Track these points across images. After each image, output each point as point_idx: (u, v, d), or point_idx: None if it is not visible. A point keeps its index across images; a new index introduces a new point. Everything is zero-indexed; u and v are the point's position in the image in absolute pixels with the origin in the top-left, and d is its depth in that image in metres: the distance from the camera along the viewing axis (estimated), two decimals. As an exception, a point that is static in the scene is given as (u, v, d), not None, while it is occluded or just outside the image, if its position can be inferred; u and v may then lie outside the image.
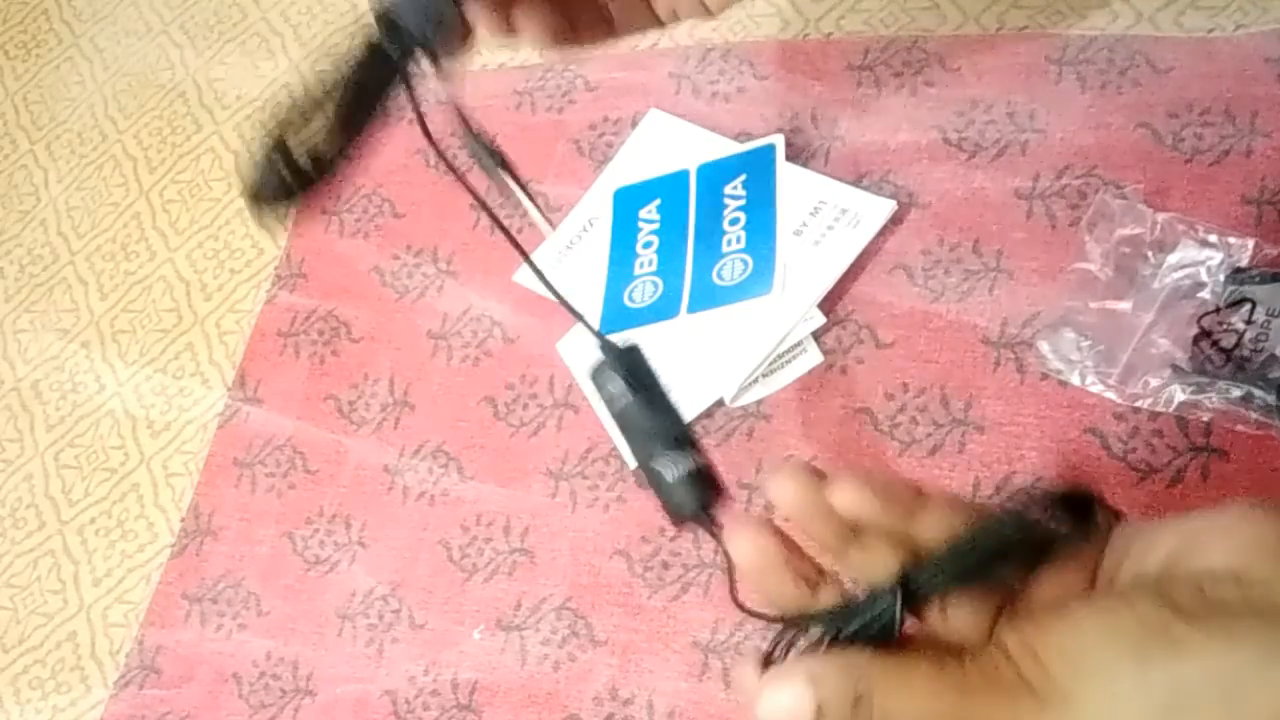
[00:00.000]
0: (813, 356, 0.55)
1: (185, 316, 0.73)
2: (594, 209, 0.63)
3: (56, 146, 0.85)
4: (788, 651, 0.34)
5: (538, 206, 0.41)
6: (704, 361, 0.56)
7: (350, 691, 0.57)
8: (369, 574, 0.60)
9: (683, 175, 0.61)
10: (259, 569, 0.62)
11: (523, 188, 0.41)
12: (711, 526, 0.38)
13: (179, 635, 0.62)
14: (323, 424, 0.65)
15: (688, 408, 0.55)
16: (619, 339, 0.58)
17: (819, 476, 0.36)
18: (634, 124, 0.65)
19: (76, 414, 0.73)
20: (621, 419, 0.41)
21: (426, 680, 0.56)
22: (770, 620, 0.35)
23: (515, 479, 0.59)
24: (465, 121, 0.39)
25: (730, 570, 0.37)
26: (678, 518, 0.39)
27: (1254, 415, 0.45)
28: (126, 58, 0.85)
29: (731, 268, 0.57)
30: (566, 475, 0.57)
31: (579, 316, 0.41)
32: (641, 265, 0.60)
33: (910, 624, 0.35)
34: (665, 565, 0.54)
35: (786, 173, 0.58)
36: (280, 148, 0.37)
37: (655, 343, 0.57)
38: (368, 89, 0.38)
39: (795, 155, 0.59)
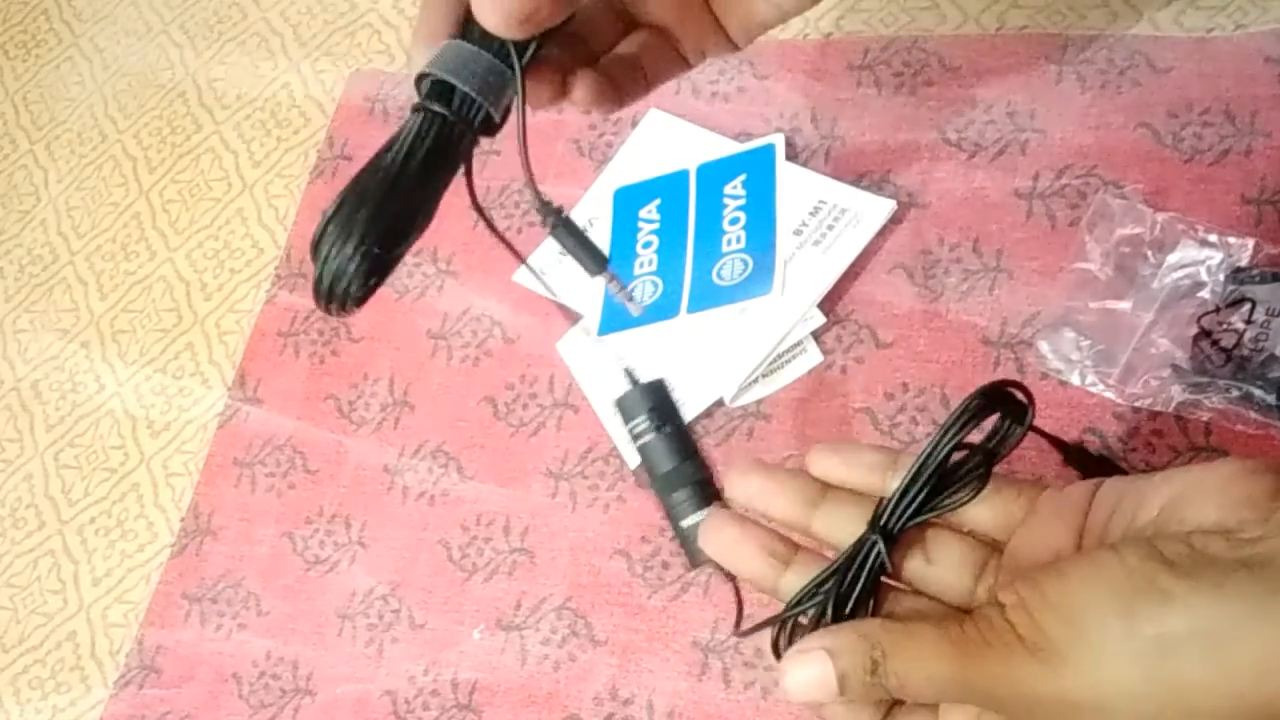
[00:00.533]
0: (813, 356, 0.55)
1: (185, 316, 0.73)
2: (594, 209, 0.63)
3: (56, 146, 0.85)
4: (793, 633, 0.35)
5: (629, 294, 0.42)
6: (704, 361, 0.56)
7: (350, 691, 0.57)
8: (369, 574, 0.60)
9: (683, 175, 0.61)
10: (259, 569, 0.62)
11: (614, 278, 0.41)
12: (726, 572, 0.39)
13: (179, 635, 0.62)
14: (323, 424, 0.65)
15: (688, 408, 0.55)
16: (621, 338, 0.59)
17: (766, 466, 0.38)
18: (634, 124, 0.65)
19: (76, 414, 0.73)
20: (644, 452, 0.41)
21: (426, 680, 0.56)
22: (768, 623, 0.36)
23: (515, 479, 0.59)
24: (552, 207, 0.39)
25: (739, 608, 0.39)
26: (694, 560, 0.40)
27: (1254, 415, 0.45)
28: (126, 58, 0.85)
29: (731, 267, 0.57)
30: (566, 475, 0.57)
31: (606, 348, 0.41)
32: (641, 265, 0.60)
33: (912, 600, 0.36)
34: (665, 565, 0.54)
35: (786, 172, 0.58)
36: (356, 240, 0.35)
37: (655, 343, 0.57)
38: (428, 159, 0.36)
39: (795, 155, 0.59)
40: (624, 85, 0.44)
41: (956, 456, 0.35)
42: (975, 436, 0.36)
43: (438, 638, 0.57)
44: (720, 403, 0.55)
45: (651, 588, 0.53)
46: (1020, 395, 0.35)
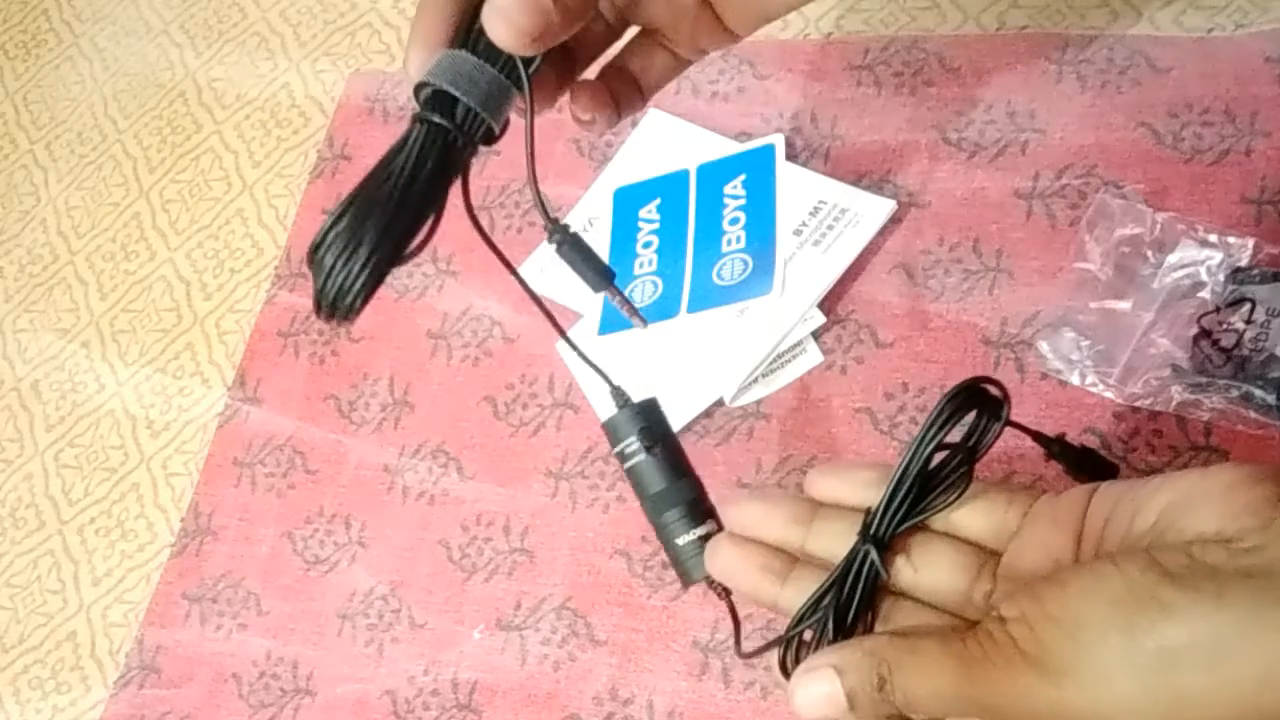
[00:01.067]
0: (813, 356, 0.55)
1: (185, 316, 0.73)
2: (594, 209, 0.63)
3: (56, 146, 0.85)
4: (798, 650, 0.35)
5: (631, 305, 0.42)
6: (704, 361, 0.56)
7: (350, 691, 0.57)
8: (369, 574, 0.60)
9: (682, 175, 0.61)
10: (259, 569, 0.62)
11: (620, 293, 0.41)
12: (720, 591, 0.40)
13: (179, 635, 0.62)
14: (323, 424, 0.65)
15: (687, 408, 0.55)
16: (621, 338, 0.59)
17: (758, 493, 0.41)
18: (634, 124, 0.65)
19: (76, 414, 0.73)
20: (634, 474, 0.41)
21: (426, 680, 0.56)
22: (774, 643, 0.36)
23: (515, 479, 0.59)
24: (568, 229, 0.39)
25: (735, 628, 0.39)
26: (687, 579, 0.41)
27: (1254, 415, 0.45)
28: (126, 58, 0.85)
29: (731, 267, 0.57)
30: (566, 475, 0.57)
31: (597, 370, 0.41)
32: (641, 265, 0.60)
33: (914, 608, 0.36)
34: (665, 565, 0.53)
35: (786, 172, 0.58)
36: (365, 256, 0.35)
37: (655, 342, 0.57)
38: (433, 173, 0.36)
39: (795, 155, 0.59)
40: (621, 96, 0.44)
41: (938, 458, 0.35)
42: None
43: (438, 638, 0.57)
44: (720, 403, 0.55)
45: (651, 588, 0.53)
46: (994, 390, 0.35)
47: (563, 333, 0.41)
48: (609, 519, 0.56)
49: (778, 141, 0.59)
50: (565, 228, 0.39)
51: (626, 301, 0.41)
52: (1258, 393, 0.45)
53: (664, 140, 0.63)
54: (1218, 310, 0.47)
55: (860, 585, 0.35)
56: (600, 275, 0.40)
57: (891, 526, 0.35)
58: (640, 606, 0.53)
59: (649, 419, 0.41)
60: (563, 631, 0.54)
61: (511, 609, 0.56)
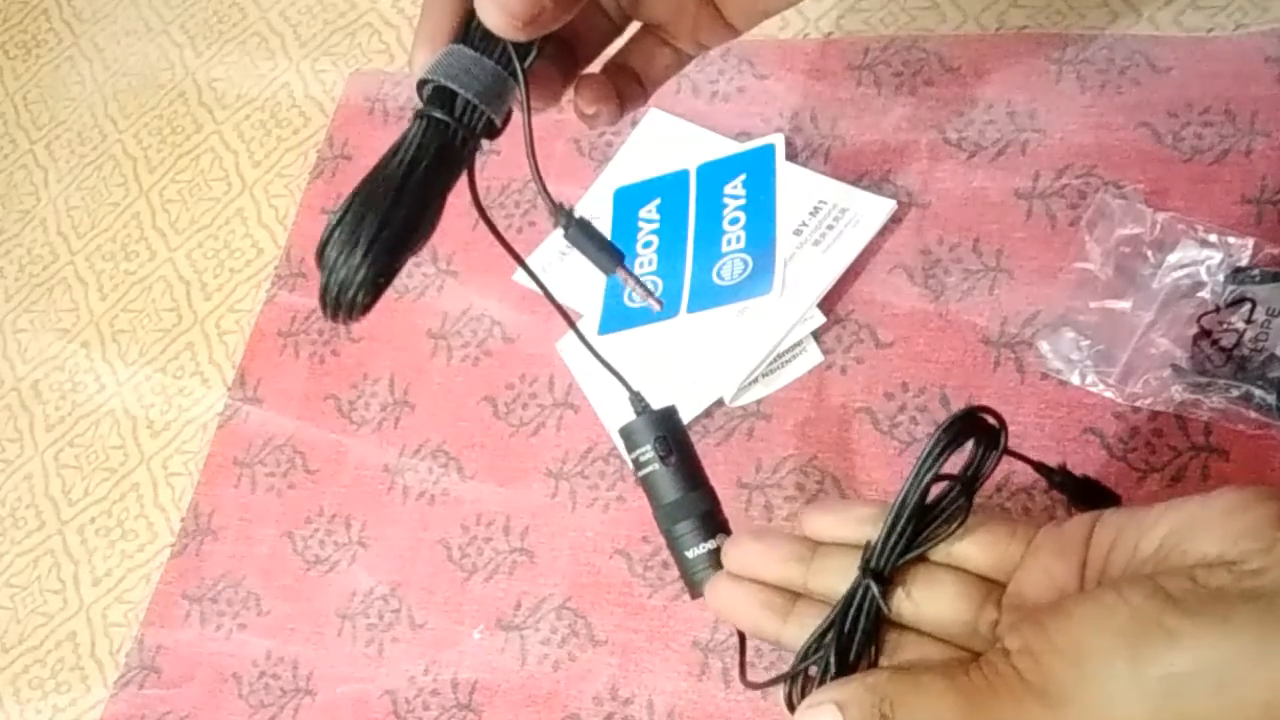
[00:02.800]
0: (813, 356, 0.55)
1: (185, 316, 0.73)
2: (594, 209, 0.63)
3: (56, 146, 0.85)
4: (804, 686, 0.35)
5: (647, 289, 0.42)
6: (704, 361, 0.56)
7: (350, 691, 0.57)
8: (369, 574, 0.60)
9: (682, 175, 0.61)
10: (259, 569, 0.62)
11: (632, 274, 0.41)
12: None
13: (179, 635, 0.62)
14: (323, 424, 0.65)
15: (688, 408, 0.55)
16: (621, 337, 0.59)
17: (758, 531, 0.41)
18: (634, 123, 0.65)
19: (76, 414, 0.73)
20: (647, 483, 0.41)
21: (426, 680, 0.56)
22: (779, 679, 0.36)
23: (515, 479, 0.59)
24: (562, 207, 0.39)
25: (741, 652, 0.39)
26: (694, 592, 0.41)
27: (1254, 415, 0.45)
28: (126, 58, 0.85)
29: (731, 267, 0.57)
30: (566, 475, 0.57)
31: (612, 370, 0.41)
32: (641, 265, 0.60)
33: (918, 641, 0.36)
34: (665, 565, 0.54)
35: (786, 172, 0.58)
36: (363, 250, 0.35)
37: (655, 343, 0.57)
38: (432, 166, 0.36)
39: (795, 155, 0.59)
40: (624, 91, 0.44)
41: (937, 490, 0.35)
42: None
43: (438, 638, 0.57)
44: (720, 403, 0.55)
45: (651, 588, 0.53)
46: (991, 420, 0.35)
47: (573, 325, 0.41)
48: (609, 519, 0.56)
49: (778, 141, 0.59)
50: (570, 211, 0.40)
51: (639, 283, 0.41)
52: (1258, 393, 0.45)
53: (664, 140, 0.63)
54: (1218, 310, 0.47)
55: (862, 620, 0.35)
56: (609, 256, 0.40)
57: (891, 560, 0.35)
58: (640, 606, 0.53)
59: (666, 427, 0.41)
60: (563, 631, 0.54)
61: (511, 609, 0.56)
